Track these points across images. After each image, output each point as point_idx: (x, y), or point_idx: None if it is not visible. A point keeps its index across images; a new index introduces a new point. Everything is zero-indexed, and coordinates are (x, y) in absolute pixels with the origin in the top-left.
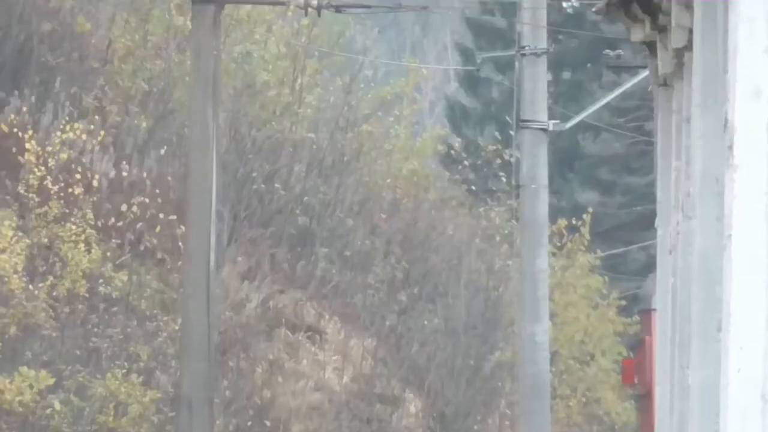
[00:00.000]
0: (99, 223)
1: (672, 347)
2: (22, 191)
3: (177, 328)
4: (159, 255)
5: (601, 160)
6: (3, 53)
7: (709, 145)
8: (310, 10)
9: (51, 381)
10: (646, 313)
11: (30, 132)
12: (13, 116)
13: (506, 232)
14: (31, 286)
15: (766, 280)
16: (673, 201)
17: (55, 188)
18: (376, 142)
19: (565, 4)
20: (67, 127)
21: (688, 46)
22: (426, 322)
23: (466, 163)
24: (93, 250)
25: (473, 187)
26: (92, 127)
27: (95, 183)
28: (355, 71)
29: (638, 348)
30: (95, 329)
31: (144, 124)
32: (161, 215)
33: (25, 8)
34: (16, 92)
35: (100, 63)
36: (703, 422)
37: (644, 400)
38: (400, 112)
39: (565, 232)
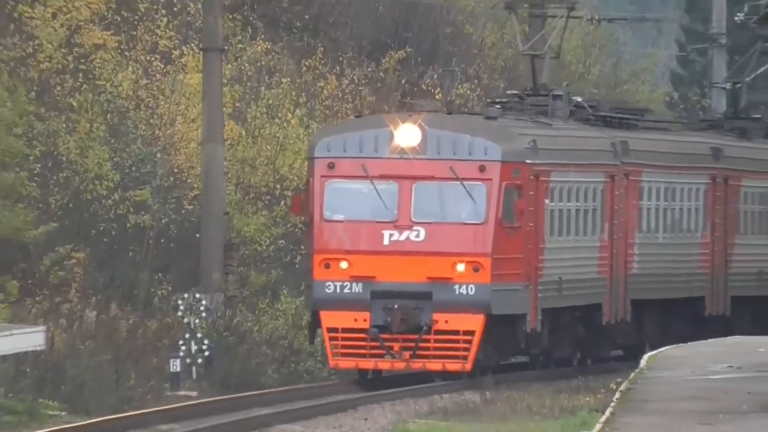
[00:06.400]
0: None
1: None
2: None
3: None
4: None
5: (755, 104)
6: (422, 46)
7: None
8: (594, 18)
9: None
10: (311, 161)
11: (438, 89)
12: (428, 80)
13: None
14: None
15: None
16: None
17: None
18: (631, 95)
19: (735, 18)
20: (459, 86)
21: None
22: None
23: (681, 106)
24: None
25: (684, 121)
26: (472, 86)
27: None
28: (618, 55)
29: (306, 186)
30: None
31: (501, 85)
32: None
33: (436, 17)
34: (430, 67)
35: (477, 50)
36: None
37: (308, 225)
38: (644, 78)
39: None
